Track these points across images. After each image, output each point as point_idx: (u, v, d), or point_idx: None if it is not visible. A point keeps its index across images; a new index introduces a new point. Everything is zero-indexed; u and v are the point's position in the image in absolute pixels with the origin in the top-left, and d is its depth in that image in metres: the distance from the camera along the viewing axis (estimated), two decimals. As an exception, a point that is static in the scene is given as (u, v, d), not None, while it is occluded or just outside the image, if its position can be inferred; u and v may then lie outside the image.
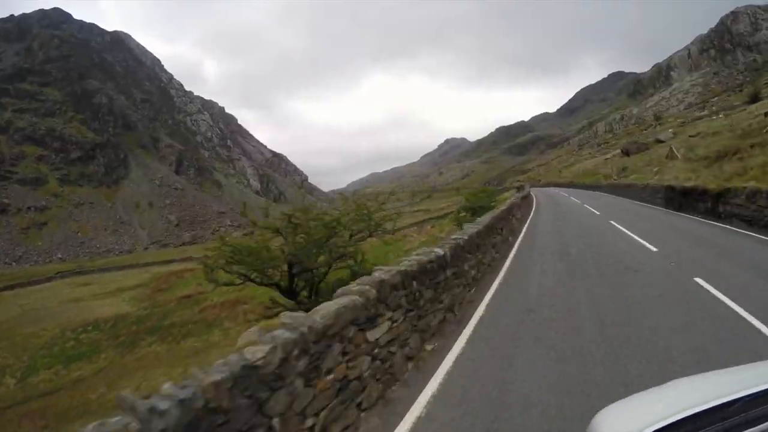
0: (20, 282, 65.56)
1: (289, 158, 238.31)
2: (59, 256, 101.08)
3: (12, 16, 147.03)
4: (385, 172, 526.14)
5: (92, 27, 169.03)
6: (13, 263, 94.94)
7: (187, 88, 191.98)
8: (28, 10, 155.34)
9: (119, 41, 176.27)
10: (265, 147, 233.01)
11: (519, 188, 51.14)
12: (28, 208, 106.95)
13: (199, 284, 31.56)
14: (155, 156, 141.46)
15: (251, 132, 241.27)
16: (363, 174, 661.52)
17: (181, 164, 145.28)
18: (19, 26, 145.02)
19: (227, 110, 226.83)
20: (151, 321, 29.80)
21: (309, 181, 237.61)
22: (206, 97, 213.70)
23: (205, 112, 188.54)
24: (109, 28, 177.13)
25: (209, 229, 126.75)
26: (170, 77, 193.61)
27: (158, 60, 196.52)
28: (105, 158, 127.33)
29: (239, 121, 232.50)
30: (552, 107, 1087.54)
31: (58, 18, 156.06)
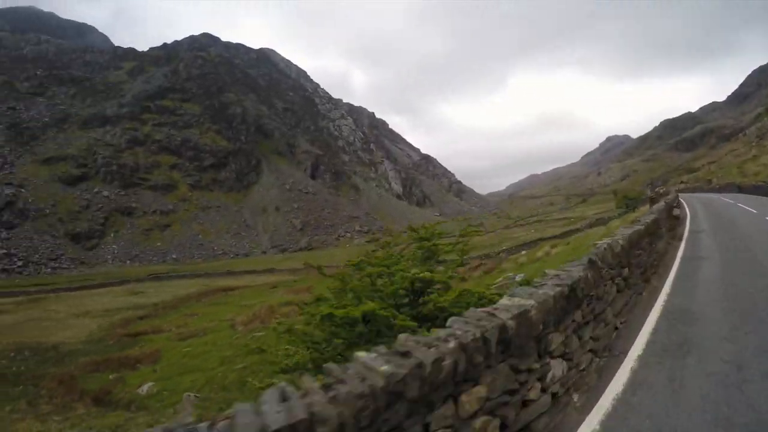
0: (88, 285, 70.08)
1: (439, 161, 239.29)
2: (174, 256, 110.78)
3: (165, 44, 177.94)
4: (544, 173, 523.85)
5: (239, 47, 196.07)
6: (128, 261, 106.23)
7: (335, 96, 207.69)
8: (179, 38, 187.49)
9: (265, 57, 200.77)
10: (414, 150, 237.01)
11: (653, 200, 27.70)
12: (154, 211, 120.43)
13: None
14: (291, 161, 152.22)
15: (403, 136, 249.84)
16: (521, 176, 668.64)
17: (317, 168, 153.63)
18: (169, 52, 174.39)
19: (377, 116, 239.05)
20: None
21: (463, 183, 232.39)
22: (355, 104, 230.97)
23: (348, 117, 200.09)
24: (256, 47, 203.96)
25: (334, 234, 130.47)
26: (315, 87, 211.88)
27: (303, 72, 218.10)
28: (236, 165, 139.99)
29: (390, 126, 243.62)
30: (720, 95, 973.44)
31: (205, 42, 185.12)
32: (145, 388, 17.60)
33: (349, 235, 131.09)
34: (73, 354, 27.17)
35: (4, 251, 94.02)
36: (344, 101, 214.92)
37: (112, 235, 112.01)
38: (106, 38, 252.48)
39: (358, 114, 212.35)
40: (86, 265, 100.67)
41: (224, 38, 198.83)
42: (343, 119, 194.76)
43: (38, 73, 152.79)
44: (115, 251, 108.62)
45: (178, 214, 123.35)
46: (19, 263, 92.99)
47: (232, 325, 29.54)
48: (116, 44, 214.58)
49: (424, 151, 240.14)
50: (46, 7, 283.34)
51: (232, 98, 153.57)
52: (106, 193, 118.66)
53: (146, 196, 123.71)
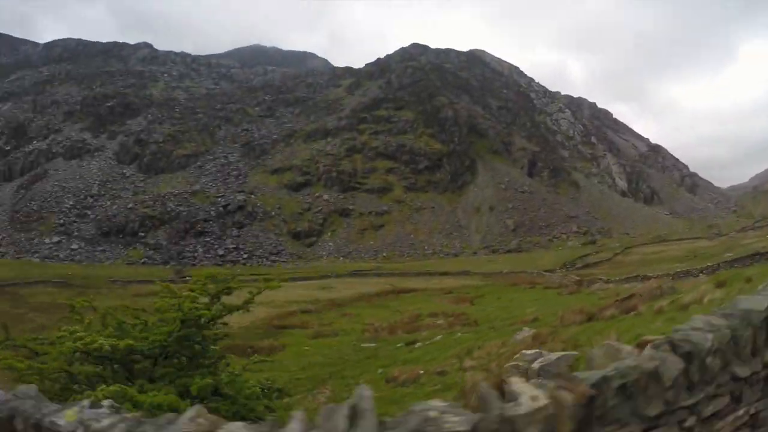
0: (293, 277, 78.98)
1: (669, 151, 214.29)
2: (384, 254, 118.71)
3: (378, 58, 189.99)
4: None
5: (449, 52, 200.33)
6: (341, 258, 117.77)
7: (552, 89, 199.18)
8: (390, 51, 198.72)
9: (475, 58, 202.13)
10: (642, 140, 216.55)
11: None
12: (369, 212, 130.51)
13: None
14: (507, 160, 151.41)
15: (629, 126, 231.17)
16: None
17: (534, 166, 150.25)
18: (381, 66, 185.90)
19: (599, 105, 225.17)
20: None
21: (699, 175, 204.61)
22: (574, 96, 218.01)
23: (566, 110, 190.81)
24: (465, 49, 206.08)
25: (549, 235, 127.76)
26: (529, 81, 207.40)
27: (516, 68, 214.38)
28: (451, 166, 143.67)
29: (614, 115, 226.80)
30: None
31: (415, 52, 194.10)
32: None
33: (564, 236, 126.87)
34: (229, 336, 29.69)
35: (234, 246, 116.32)
36: (562, 93, 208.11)
37: (329, 233, 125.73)
38: (326, 61, 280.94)
39: (577, 106, 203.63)
40: (303, 259, 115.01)
41: (433, 45, 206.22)
42: (561, 112, 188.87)
43: (266, 98, 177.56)
44: (330, 248, 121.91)
45: (392, 215, 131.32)
46: (245, 256, 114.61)
47: (364, 330, 30.16)
48: (335, 65, 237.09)
49: (653, 140, 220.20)
50: (268, 43, 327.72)
51: (443, 101, 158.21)
52: (326, 196, 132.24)
53: (363, 199, 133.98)
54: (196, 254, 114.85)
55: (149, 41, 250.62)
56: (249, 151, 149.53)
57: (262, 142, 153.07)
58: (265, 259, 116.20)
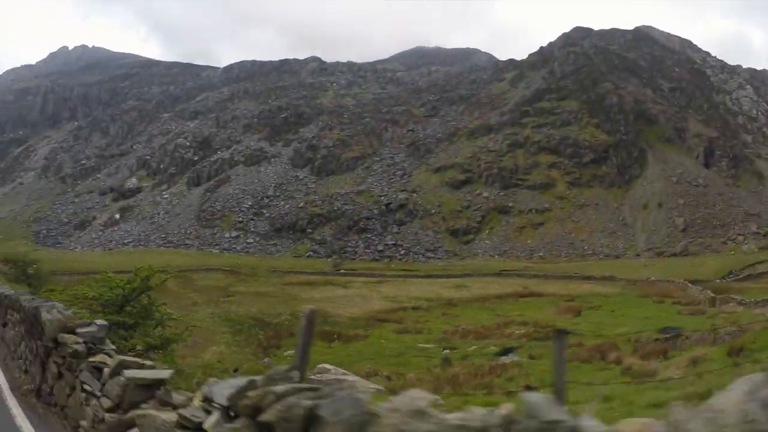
0: (435, 274, 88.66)
1: None
2: (540, 254, 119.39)
3: (540, 47, 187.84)
4: None
5: (613, 32, 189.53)
6: (496, 256, 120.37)
7: (732, 63, 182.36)
8: (553, 39, 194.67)
9: (642, 36, 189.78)
10: None
11: None
12: (530, 210, 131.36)
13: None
14: (680, 148, 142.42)
15: None
16: None
17: (712, 154, 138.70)
18: (544, 55, 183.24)
19: None
20: None
21: None
22: (758, 68, 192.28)
23: (748, 86, 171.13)
24: (630, 27, 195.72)
25: (723, 236, 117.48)
26: (704, 56, 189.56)
27: (688, 41, 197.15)
28: (617, 158, 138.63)
29: None
30: None
31: (577, 36, 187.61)
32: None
33: (741, 238, 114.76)
34: (333, 324, 37.00)
35: (393, 242, 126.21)
36: (743, 67, 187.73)
37: (487, 231, 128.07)
38: (490, 56, 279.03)
39: (761, 80, 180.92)
40: (458, 257, 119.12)
41: (597, 27, 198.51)
42: (742, 89, 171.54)
43: (431, 98, 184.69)
44: (487, 246, 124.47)
45: (553, 213, 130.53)
46: (402, 252, 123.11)
47: (444, 331, 33.15)
48: (500, 58, 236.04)
49: None
50: (431, 44, 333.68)
51: (608, 88, 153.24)
52: (486, 194, 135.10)
53: (523, 196, 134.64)
54: (356, 249, 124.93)
55: (317, 55, 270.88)
56: (414, 150, 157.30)
57: (426, 141, 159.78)
58: (420, 256, 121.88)
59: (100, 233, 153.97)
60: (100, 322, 7.91)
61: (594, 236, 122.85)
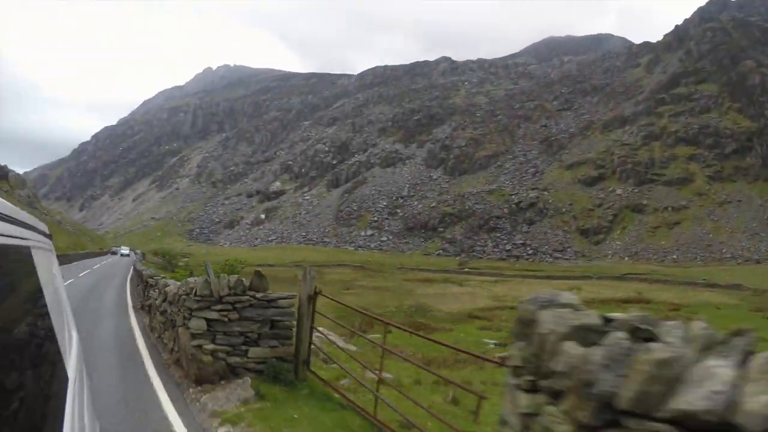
0: (554, 275, 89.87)
1: None
2: (674, 257, 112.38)
3: (675, 26, 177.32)
4: None
5: (753, 1, 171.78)
6: (626, 257, 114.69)
7: None
8: (688, 15, 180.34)
9: None
10: None
11: None
12: (665, 207, 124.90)
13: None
14: None
15: None
16: None
17: None
18: (679, 34, 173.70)
19: None
20: None
21: None
22: None
23: None
24: None
25: None
26: None
27: None
28: (762, 147, 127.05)
29: None
30: None
31: (714, 9, 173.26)
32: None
33: None
34: (429, 317, 43.67)
35: (521, 242, 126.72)
36: None
37: (618, 231, 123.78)
38: (623, 40, 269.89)
39: None
40: (586, 258, 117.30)
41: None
42: None
43: (563, 91, 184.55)
44: (617, 247, 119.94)
45: (690, 210, 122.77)
46: (530, 251, 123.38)
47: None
48: (634, 41, 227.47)
49: None
50: (561, 33, 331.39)
51: (750, 66, 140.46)
52: (619, 191, 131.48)
53: (659, 192, 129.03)
54: (485, 248, 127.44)
55: (448, 55, 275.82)
56: (547, 147, 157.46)
57: (559, 136, 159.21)
58: (548, 256, 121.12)
59: (247, 231, 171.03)
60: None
61: (734, 237, 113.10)
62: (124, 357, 13.02)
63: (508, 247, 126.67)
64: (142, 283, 22.23)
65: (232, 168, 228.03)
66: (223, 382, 9.32)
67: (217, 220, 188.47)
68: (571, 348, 2.64)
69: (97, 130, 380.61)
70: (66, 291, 4.81)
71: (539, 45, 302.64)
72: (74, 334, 4.42)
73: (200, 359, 9.38)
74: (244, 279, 10.09)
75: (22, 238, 2.04)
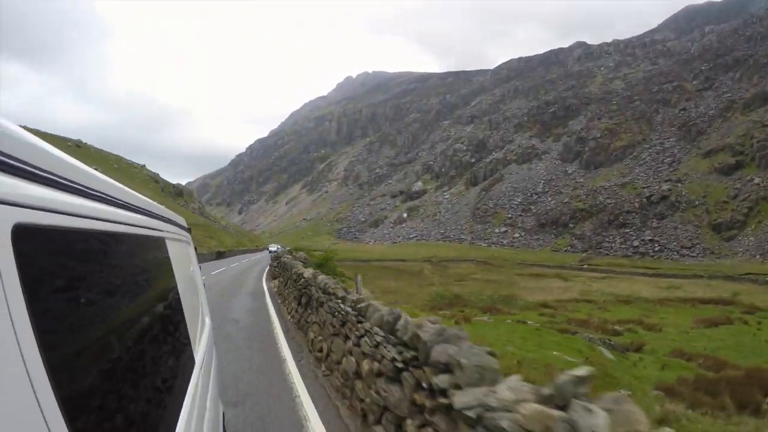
0: (666, 274, 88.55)
1: None
2: None
3: None
4: None
5: None
6: (758, 256, 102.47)
7: None
8: None
9: None
10: None
11: None
12: None
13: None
14: None
15: None
16: None
17: None
18: None
19: None
20: None
21: None
22: None
23: None
24: None
25: None
26: None
27: None
28: None
29: None
30: None
31: None
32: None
33: None
34: (512, 305, 50.77)
35: (650, 237, 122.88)
36: None
37: (753, 226, 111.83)
38: None
39: None
40: (714, 255, 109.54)
41: None
42: None
43: (703, 67, 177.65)
44: (750, 244, 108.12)
45: None
46: (656, 248, 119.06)
47: (569, 320, 37.94)
48: None
49: None
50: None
51: None
52: (757, 180, 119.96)
53: None
54: (612, 245, 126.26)
55: (583, 39, 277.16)
56: (685, 133, 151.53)
57: (698, 120, 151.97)
58: (675, 253, 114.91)
59: (390, 229, 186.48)
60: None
61: None
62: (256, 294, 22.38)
63: (635, 243, 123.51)
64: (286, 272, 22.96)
65: (376, 170, 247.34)
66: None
67: (363, 219, 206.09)
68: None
69: (251, 141, 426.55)
70: (224, 270, 15.86)
71: (678, 16, 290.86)
72: (207, 320, 5.28)
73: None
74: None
75: (157, 230, 2.58)
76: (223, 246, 73.41)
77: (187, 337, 3.00)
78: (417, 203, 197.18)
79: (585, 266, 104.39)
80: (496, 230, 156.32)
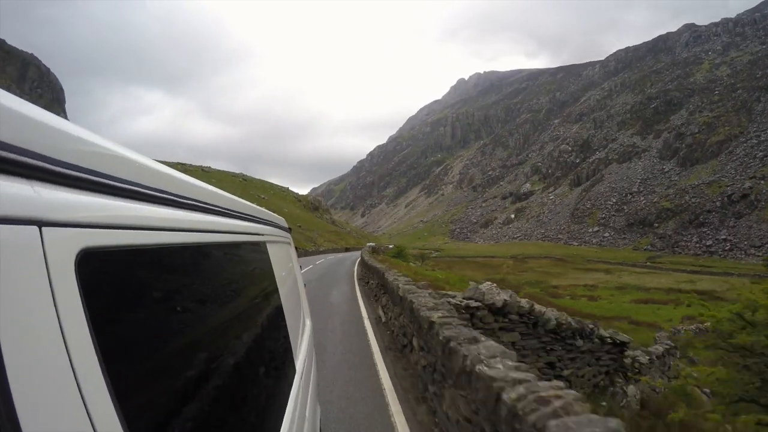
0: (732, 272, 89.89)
1: None
2: None
3: None
4: None
5: None
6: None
7: None
8: None
9: None
10: None
11: None
12: None
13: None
14: None
15: None
16: None
17: None
18: None
19: None
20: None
21: None
22: None
23: None
24: None
25: None
26: None
27: None
28: None
29: None
30: None
31: None
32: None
33: None
34: (540, 288, 67.27)
35: (724, 237, 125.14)
36: None
37: None
38: None
39: None
40: None
41: None
42: None
43: None
44: None
45: None
46: (727, 247, 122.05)
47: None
48: None
49: None
50: None
51: None
52: None
53: None
54: (689, 244, 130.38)
55: (691, 20, 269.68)
56: None
57: None
58: (743, 253, 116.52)
59: (499, 230, 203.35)
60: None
61: None
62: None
63: (709, 242, 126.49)
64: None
65: (489, 172, 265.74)
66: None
67: (475, 220, 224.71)
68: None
69: (371, 148, 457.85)
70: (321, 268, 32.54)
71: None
72: (308, 322, 5.15)
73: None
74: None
75: (257, 234, 2.60)
76: (348, 244, 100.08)
77: (289, 345, 3.11)
78: (524, 204, 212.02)
79: (647, 263, 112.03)
80: (590, 230, 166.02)
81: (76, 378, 0.69)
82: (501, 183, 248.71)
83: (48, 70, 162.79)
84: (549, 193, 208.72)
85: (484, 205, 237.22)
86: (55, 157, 0.72)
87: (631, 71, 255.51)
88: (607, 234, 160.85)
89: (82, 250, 0.74)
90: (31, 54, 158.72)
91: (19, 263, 0.64)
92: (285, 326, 3.02)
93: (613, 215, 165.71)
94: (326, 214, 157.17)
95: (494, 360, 4.86)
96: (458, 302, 11.26)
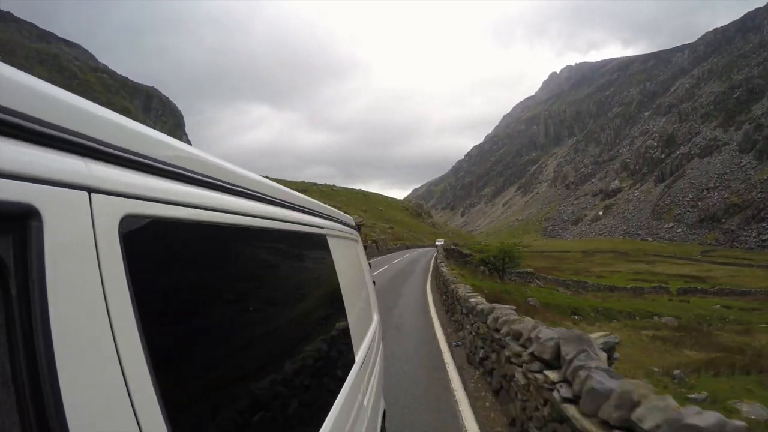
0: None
1: None
2: None
3: None
4: None
5: None
6: None
7: None
8: None
9: None
10: None
11: None
12: None
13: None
14: None
15: None
16: None
17: None
18: None
19: None
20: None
21: None
22: None
23: None
24: None
25: None
26: None
27: None
28: None
29: None
30: None
31: None
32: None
33: None
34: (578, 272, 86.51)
35: None
36: None
37: None
38: None
39: None
40: None
41: None
42: None
43: None
44: None
45: None
46: None
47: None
48: None
49: None
50: None
51: None
52: None
53: None
54: (748, 239, 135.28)
55: None
56: None
57: None
58: None
59: (587, 227, 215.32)
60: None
61: None
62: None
63: (766, 236, 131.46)
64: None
65: (582, 170, 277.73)
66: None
67: (566, 218, 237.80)
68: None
69: (469, 148, 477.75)
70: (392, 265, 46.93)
71: None
72: (375, 316, 5.13)
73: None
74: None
75: (317, 227, 2.69)
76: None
77: (347, 336, 3.15)
78: (612, 201, 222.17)
79: (700, 257, 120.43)
80: (665, 226, 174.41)
81: (112, 330, 0.73)
82: (593, 180, 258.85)
83: (167, 99, 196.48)
84: (635, 189, 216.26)
85: (575, 202, 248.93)
86: (104, 140, 0.82)
87: (720, 55, 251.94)
88: (680, 230, 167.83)
89: (126, 215, 0.91)
90: (153, 87, 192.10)
91: (71, 219, 0.80)
92: (344, 316, 3.21)
93: (688, 211, 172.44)
94: (428, 218, 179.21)
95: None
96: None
